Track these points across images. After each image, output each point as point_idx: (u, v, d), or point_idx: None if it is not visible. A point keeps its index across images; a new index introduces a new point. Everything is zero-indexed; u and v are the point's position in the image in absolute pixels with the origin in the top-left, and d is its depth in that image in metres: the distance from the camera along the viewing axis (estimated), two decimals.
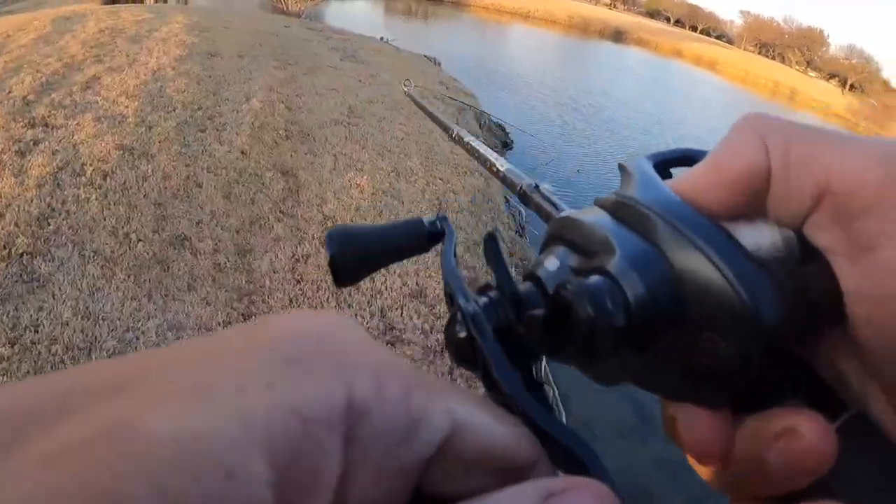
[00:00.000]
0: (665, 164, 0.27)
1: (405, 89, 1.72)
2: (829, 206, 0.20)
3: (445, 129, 0.94)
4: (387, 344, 3.33)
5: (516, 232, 6.33)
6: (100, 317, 3.06)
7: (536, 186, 0.55)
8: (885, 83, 64.87)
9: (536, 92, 15.17)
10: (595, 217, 0.25)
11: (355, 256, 0.30)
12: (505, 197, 6.74)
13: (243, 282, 3.52)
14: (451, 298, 0.26)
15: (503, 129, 10.28)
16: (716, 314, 0.21)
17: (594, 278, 0.22)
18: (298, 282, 3.68)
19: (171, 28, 7.90)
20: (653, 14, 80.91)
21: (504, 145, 9.69)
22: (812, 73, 67.42)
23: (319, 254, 4.00)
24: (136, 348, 2.91)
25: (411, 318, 3.69)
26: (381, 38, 12.47)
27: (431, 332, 3.64)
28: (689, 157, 0.27)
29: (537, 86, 16.03)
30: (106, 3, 12.71)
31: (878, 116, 47.57)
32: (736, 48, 70.22)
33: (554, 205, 0.49)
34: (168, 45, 7.05)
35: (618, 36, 46.78)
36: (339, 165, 5.32)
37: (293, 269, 3.78)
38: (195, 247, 3.63)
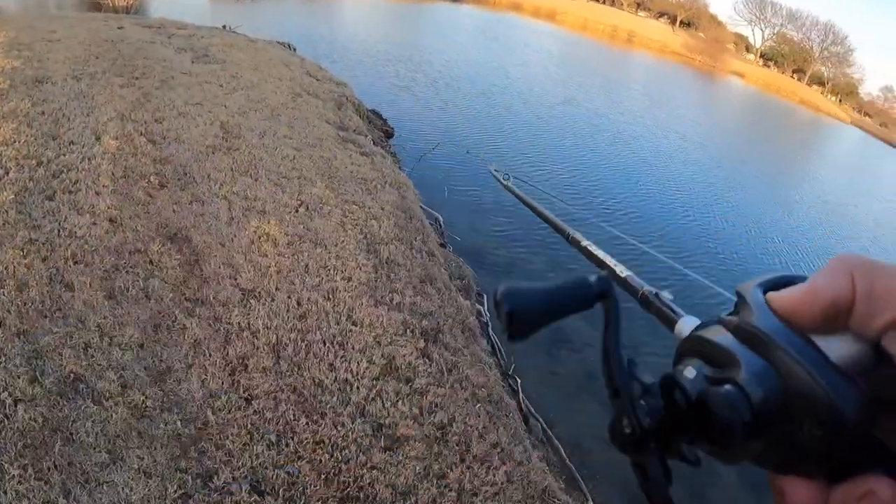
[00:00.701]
0: (770, 287, 0.33)
1: (497, 176, 1.52)
2: None
3: (561, 231, 0.98)
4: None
5: (441, 244, 5.72)
6: None
7: (657, 294, 0.59)
8: (713, 17, 70.54)
9: (395, 68, 14.41)
10: (721, 337, 0.33)
11: (530, 313, 0.36)
12: (420, 206, 6.07)
13: (179, 424, 2.61)
14: (614, 389, 0.34)
15: (381, 117, 9.52)
16: (813, 412, 0.28)
17: (727, 388, 0.30)
18: (249, 401, 2.83)
19: None
20: None
21: (387, 135, 8.93)
22: (643, 14, 71.51)
23: (258, 351, 3.14)
24: None
25: (395, 406, 3.01)
26: (225, 27, 10.95)
27: (422, 416, 3.00)
28: (788, 280, 0.33)
29: (394, 61, 15.27)
30: None
31: (711, 49, 51.77)
32: None
33: (673, 311, 0.55)
34: None
35: None
36: (235, 212, 4.34)
37: (234, 383, 2.91)
38: (96, 390, 2.64)
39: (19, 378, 2.56)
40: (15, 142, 4.29)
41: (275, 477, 2.47)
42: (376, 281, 4.13)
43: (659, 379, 0.34)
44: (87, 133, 4.69)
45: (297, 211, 4.66)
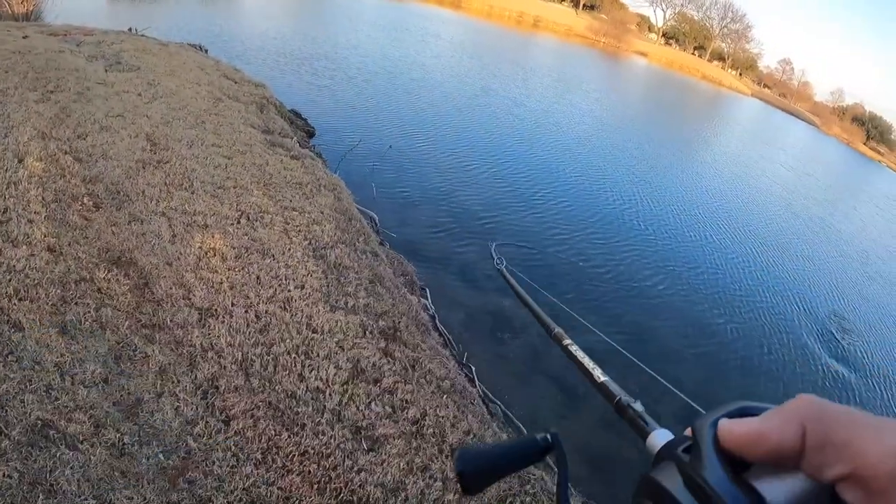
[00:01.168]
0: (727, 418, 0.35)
1: (498, 267, 1.58)
2: (856, 481, 0.28)
3: (545, 326, 0.99)
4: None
5: (380, 243, 5.79)
6: None
7: (629, 405, 0.62)
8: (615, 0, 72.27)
9: (312, 66, 14.16)
10: (673, 485, 0.35)
11: (481, 472, 0.40)
12: (356, 206, 6.10)
13: (161, 458, 2.60)
14: None
15: (301, 117, 9.39)
16: None
17: None
18: (227, 423, 2.84)
19: None
20: None
21: (309, 135, 8.83)
22: None
23: (225, 369, 3.15)
24: None
25: (370, 406, 3.11)
26: (131, 30, 10.40)
27: (395, 413, 3.11)
28: (745, 412, 0.35)
29: (310, 59, 14.98)
30: None
31: (615, 31, 53.24)
32: None
33: (645, 422, 0.58)
34: None
35: None
36: (177, 228, 4.26)
37: (209, 407, 2.91)
38: (67, 434, 2.58)
39: None
40: None
41: (269, 494, 2.52)
42: (328, 286, 4.17)
43: None
44: (9, 156, 4.43)
45: (238, 222, 4.61)
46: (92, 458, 2.50)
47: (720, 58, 68.42)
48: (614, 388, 0.67)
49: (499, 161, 10.73)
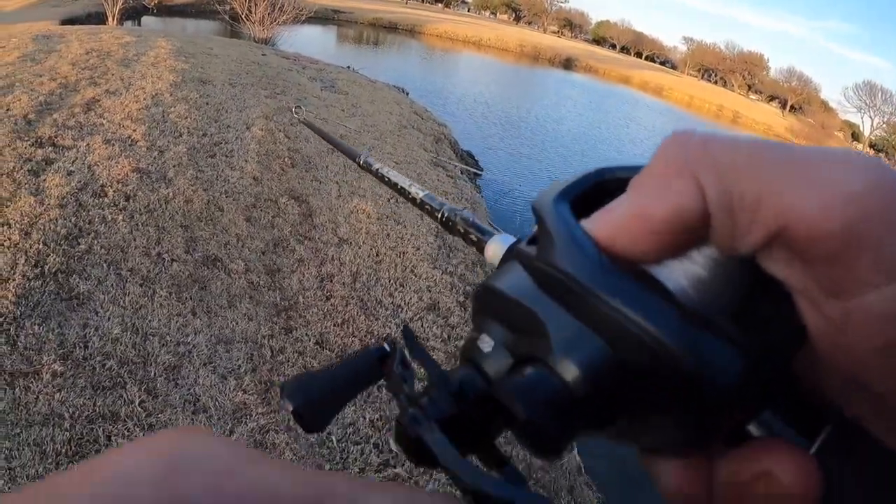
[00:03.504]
0: (581, 196, 0.23)
1: (294, 112, 1.69)
2: (786, 246, 0.18)
3: (352, 157, 0.94)
4: None
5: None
6: (148, 332, 3.19)
7: (457, 215, 0.53)
8: (824, 103, 68.82)
9: (504, 128, 15.68)
10: (519, 288, 0.23)
11: (317, 403, 0.26)
12: (488, 221, 7.08)
13: (278, 299, 3.71)
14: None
15: (473, 157, 10.70)
16: (661, 393, 0.19)
17: (529, 372, 0.21)
18: (328, 298, 3.89)
19: (158, 53, 8.00)
20: (599, 41, 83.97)
21: (476, 171, 10.10)
22: (753, 97, 70.98)
23: (342, 273, 4.22)
24: (190, 362, 3.06)
25: (431, 329, 3.96)
26: (349, 67, 12.78)
27: (449, 340, 3.92)
28: (604, 182, 0.24)
29: (497, 114, 16.56)
30: (63, 24, 12.60)
31: (817, 135, 50.43)
32: (680, 73, 73.55)
33: (481, 231, 0.48)
34: (160, 70, 7.16)
35: (568, 63, 48.30)
36: (343, 192, 5.56)
37: (321, 286, 3.98)
38: (228, 267, 3.80)
39: (176, 248, 3.78)
40: (187, 117, 5.81)
41: (334, 340, 3.50)
42: (437, 255, 5.16)
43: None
44: (240, 123, 6.15)
45: (388, 201, 5.82)
46: (236, 282, 3.70)
47: None
48: (437, 202, 0.58)
49: None
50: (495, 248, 0.42)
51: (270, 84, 8.30)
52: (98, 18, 15.94)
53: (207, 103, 6.46)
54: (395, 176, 0.74)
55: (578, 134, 18.97)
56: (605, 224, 0.21)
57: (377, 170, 0.80)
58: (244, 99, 7.06)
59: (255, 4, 16.00)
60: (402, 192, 0.69)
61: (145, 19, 20.84)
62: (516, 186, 10.36)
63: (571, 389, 0.20)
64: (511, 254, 0.25)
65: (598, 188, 0.24)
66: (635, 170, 0.22)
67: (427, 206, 0.60)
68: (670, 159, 0.20)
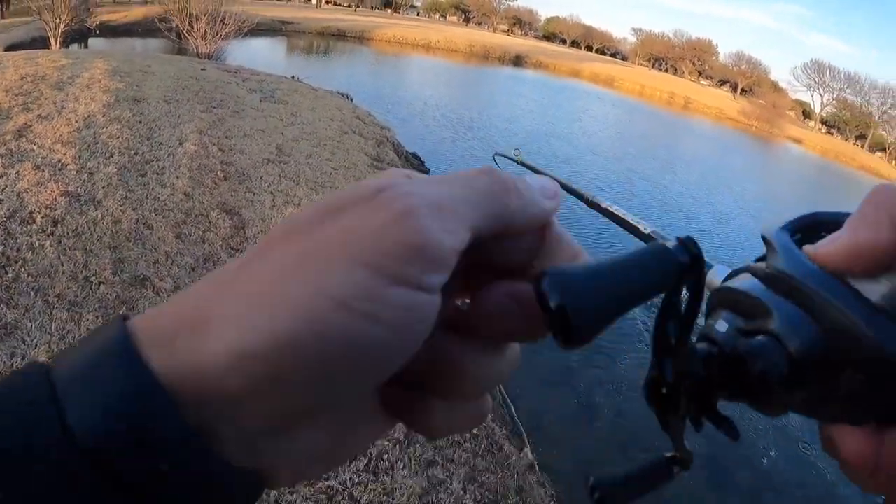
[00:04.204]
0: (799, 229, 0.30)
1: (507, 156, 1.79)
2: None
3: (578, 195, 0.87)
4: None
5: None
6: None
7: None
8: (774, 84, 70.06)
9: (455, 130, 15.63)
10: (750, 285, 0.28)
11: (594, 306, 0.22)
12: None
13: None
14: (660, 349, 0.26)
15: (419, 159, 10.83)
16: (852, 355, 0.25)
17: (761, 338, 0.27)
18: None
19: (93, 74, 7.96)
20: (549, 37, 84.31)
21: (420, 172, 10.23)
22: (704, 82, 72.06)
23: None
24: None
25: None
26: (293, 77, 12.81)
27: None
28: (819, 221, 0.30)
29: (454, 124, 16.54)
30: (7, 50, 12.43)
31: (768, 115, 51.04)
32: (631, 64, 74.44)
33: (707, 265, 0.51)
34: (94, 92, 7.14)
35: (518, 61, 48.24)
36: (277, 202, 5.67)
37: None
38: (156, 286, 3.89)
39: (104, 270, 3.86)
40: (119, 137, 5.85)
41: None
42: None
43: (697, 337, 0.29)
44: (174, 139, 6.21)
45: None
46: (166, 300, 3.78)
47: (882, 148, 62.13)
48: (662, 236, 0.50)
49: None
50: (714, 277, 0.45)
51: (207, 98, 8.33)
52: (42, 43, 15.59)
53: (140, 122, 6.50)
54: (622, 212, 0.59)
55: (532, 130, 18.90)
56: (828, 246, 0.27)
57: (605, 207, 0.69)
58: (179, 115, 7.10)
59: (196, 19, 15.90)
60: (632, 229, 0.59)
61: (92, 41, 20.41)
62: None
63: (790, 353, 0.26)
64: (741, 269, 0.31)
65: (813, 226, 0.31)
66: (837, 214, 0.29)
67: (654, 241, 0.60)
68: (876, 205, 0.26)
